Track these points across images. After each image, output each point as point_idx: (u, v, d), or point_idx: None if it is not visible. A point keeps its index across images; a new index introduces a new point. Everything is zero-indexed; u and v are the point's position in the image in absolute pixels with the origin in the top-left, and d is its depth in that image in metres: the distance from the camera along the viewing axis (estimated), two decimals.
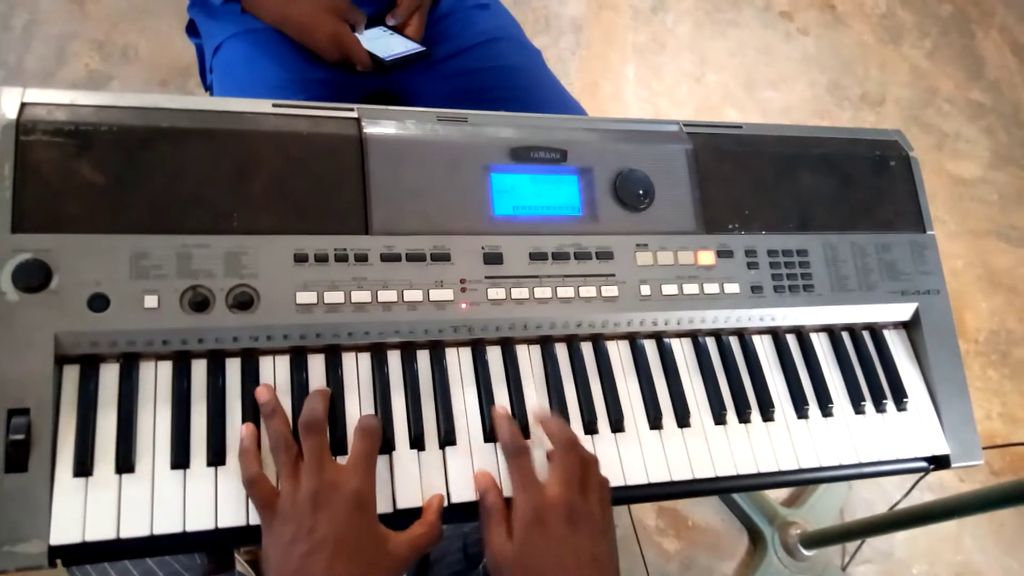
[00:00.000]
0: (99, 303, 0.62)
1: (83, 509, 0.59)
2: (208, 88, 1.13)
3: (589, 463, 0.69)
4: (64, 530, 0.58)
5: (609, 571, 0.65)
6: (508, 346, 0.75)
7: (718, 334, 0.82)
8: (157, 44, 1.78)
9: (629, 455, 0.73)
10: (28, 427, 0.59)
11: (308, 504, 0.60)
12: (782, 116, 2.15)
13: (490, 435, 0.70)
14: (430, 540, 0.64)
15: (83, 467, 0.60)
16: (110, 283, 0.63)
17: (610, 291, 0.75)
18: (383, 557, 0.61)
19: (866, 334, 0.87)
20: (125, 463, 0.61)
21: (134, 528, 0.60)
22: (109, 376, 0.64)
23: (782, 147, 0.86)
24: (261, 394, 0.65)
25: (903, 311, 0.86)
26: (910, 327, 0.88)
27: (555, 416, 0.72)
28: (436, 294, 0.71)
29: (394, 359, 0.71)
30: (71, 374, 0.63)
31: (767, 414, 0.79)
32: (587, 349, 0.77)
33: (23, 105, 0.65)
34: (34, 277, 0.61)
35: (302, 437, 0.63)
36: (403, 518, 0.66)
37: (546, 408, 0.73)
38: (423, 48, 1.03)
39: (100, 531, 0.59)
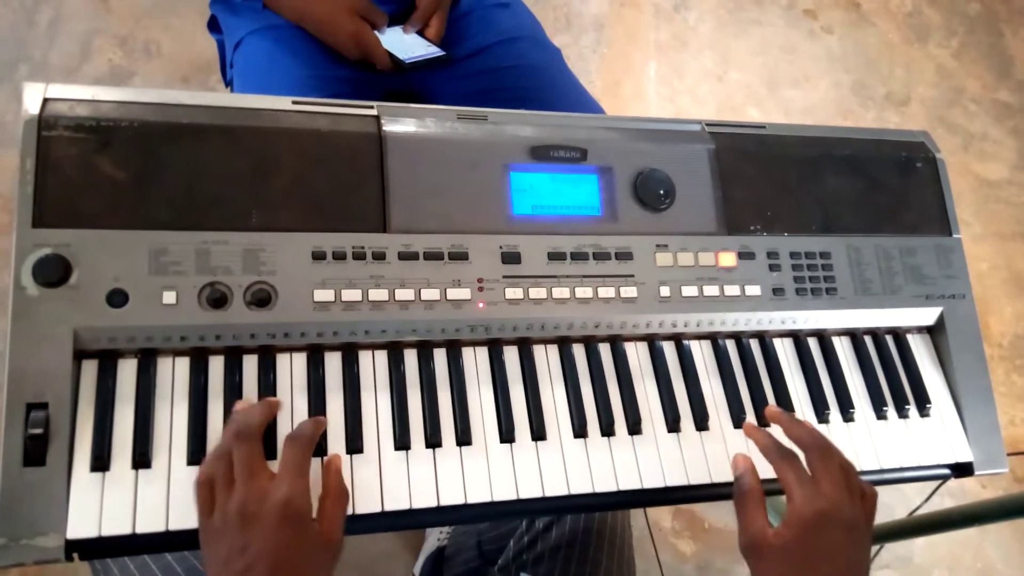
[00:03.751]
0: (118, 299, 0.62)
1: (100, 504, 0.59)
2: (228, 84, 1.14)
3: (851, 470, 0.67)
4: (81, 524, 0.58)
5: None
6: (525, 346, 0.74)
7: (738, 337, 0.81)
8: (179, 40, 1.80)
9: (646, 458, 0.73)
10: (47, 421, 0.59)
11: (237, 518, 0.57)
12: (805, 116, 2.12)
13: (506, 436, 0.70)
14: (343, 508, 0.62)
15: (100, 462, 0.60)
16: (129, 279, 0.63)
17: (629, 292, 0.75)
18: (320, 556, 0.59)
19: (889, 338, 0.85)
20: (142, 459, 0.62)
21: (150, 523, 0.60)
22: (127, 372, 0.64)
23: (806, 148, 0.85)
24: (237, 405, 0.64)
25: (927, 315, 0.85)
26: (934, 332, 0.86)
27: (795, 419, 0.71)
28: (453, 293, 0.70)
29: (411, 358, 0.71)
30: (89, 369, 0.63)
31: None
32: (605, 350, 0.76)
33: (46, 101, 0.65)
34: (54, 272, 0.61)
35: (233, 446, 0.60)
36: (414, 516, 0.66)
37: (777, 409, 0.74)
38: (443, 52, 1.03)
39: (116, 526, 0.59)
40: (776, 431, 0.72)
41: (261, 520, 0.57)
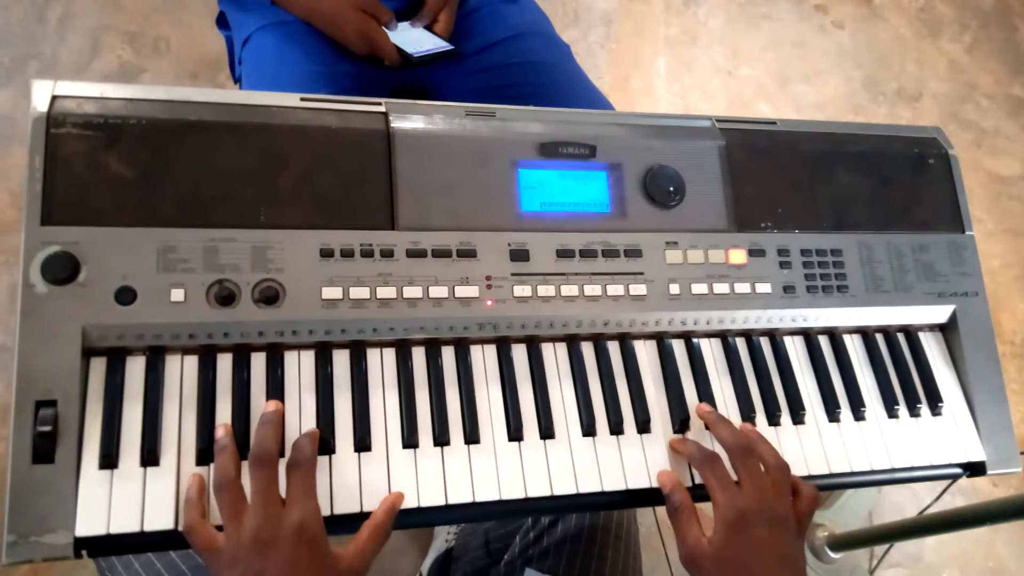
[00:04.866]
0: (126, 296, 0.62)
1: (108, 501, 0.59)
2: (237, 80, 1.13)
3: (778, 468, 0.69)
4: (89, 522, 0.59)
5: (802, 571, 0.66)
6: (534, 344, 0.74)
7: (748, 334, 0.80)
8: (188, 37, 1.80)
9: (655, 457, 0.72)
10: (55, 419, 0.59)
11: (252, 544, 0.57)
12: (816, 111, 2.11)
13: (514, 434, 0.70)
14: (378, 544, 0.63)
15: (109, 460, 0.60)
16: (137, 276, 0.63)
17: (638, 290, 0.74)
18: None
19: (901, 336, 0.84)
20: (150, 456, 0.62)
21: (158, 521, 0.60)
22: (135, 369, 0.64)
23: (817, 144, 0.84)
24: (218, 430, 0.63)
25: (939, 313, 0.84)
26: (946, 330, 0.85)
27: (721, 419, 0.73)
28: (461, 291, 0.70)
29: (419, 356, 0.71)
30: (98, 367, 0.63)
31: (798, 417, 0.77)
32: (614, 348, 0.76)
33: (54, 98, 0.65)
34: (62, 269, 0.61)
35: (251, 471, 0.61)
36: (422, 515, 0.66)
37: (707, 408, 0.74)
38: (452, 47, 1.02)
39: (124, 524, 0.59)
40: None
41: (277, 544, 0.58)
